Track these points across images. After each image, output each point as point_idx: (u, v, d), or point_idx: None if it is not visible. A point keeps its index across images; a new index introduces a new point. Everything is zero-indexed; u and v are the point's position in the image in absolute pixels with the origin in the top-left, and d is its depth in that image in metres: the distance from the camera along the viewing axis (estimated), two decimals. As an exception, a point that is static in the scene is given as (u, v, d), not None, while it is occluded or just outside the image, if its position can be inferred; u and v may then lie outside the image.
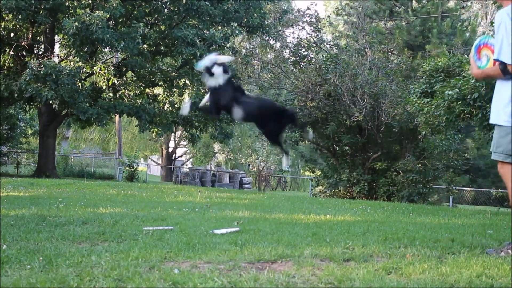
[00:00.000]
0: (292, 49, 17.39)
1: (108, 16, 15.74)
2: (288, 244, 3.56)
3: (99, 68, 17.76)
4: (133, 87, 19.72)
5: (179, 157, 36.72)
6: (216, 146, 33.39)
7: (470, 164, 19.65)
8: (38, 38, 18.66)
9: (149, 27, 19.46)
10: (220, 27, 18.51)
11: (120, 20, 17.82)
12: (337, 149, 15.66)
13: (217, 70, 4.24)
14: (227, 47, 19.68)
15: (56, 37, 19.47)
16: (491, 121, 3.52)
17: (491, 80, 4.28)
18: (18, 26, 18.07)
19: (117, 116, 24.36)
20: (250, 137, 30.96)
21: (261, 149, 33.14)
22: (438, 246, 3.53)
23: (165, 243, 3.54)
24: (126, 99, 19.05)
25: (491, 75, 3.62)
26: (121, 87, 19.35)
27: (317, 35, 18.11)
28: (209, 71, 4.25)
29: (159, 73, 19.59)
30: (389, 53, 18.50)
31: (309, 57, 16.23)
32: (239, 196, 10.82)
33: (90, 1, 17.32)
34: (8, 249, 3.30)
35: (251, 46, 24.25)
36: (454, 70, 9.84)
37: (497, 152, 3.45)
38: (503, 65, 3.42)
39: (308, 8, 30.23)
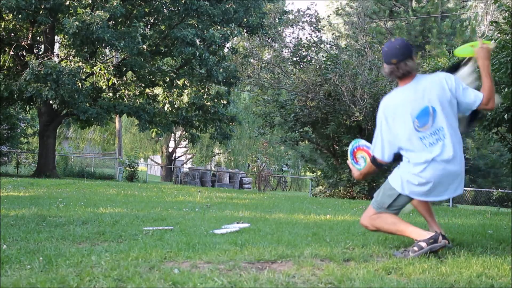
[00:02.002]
0: (292, 49, 17.39)
1: (108, 16, 15.75)
2: (288, 244, 3.56)
3: (99, 68, 17.76)
4: (133, 87, 19.72)
5: (179, 157, 36.73)
6: (216, 147, 33.41)
7: (470, 164, 19.65)
8: (38, 38, 18.66)
9: (149, 27, 19.48)
10: (219, 27, 18.51)
11: (120, 20, 17.82)
12: (337, 149, 15.65)
13: None
14: (227, 47, 19.70)
15: (56, 37, 19.47)
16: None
17: (371, 177, 4.48)
18: (18, 26, 18.06)
19: (117, 116, 24.37)
20: (250, 137, 30.97)
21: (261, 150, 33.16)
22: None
23: (165, 243, 3.54)
24: (126, 99, 19.05)
25: (369, 172, 3.72)
26: (121, 87, 19.36)
27: (317, 35, 18.11)
28: None
29: (159, 73, 19.59)
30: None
31: (309, 57, 16.23)
32: (239, 196, 10.82)
33: (90, 1, 17.33)
34: (8, 249, 3.30)
35: (251, 46, 24.25)
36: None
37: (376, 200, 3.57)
38: (373, 157, 3.56)
39: (308, 8, 30.26)
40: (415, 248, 3.22)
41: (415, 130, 3.35)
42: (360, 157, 3.84)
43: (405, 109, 3.37)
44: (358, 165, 3.85)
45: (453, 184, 3.37)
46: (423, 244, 3.20)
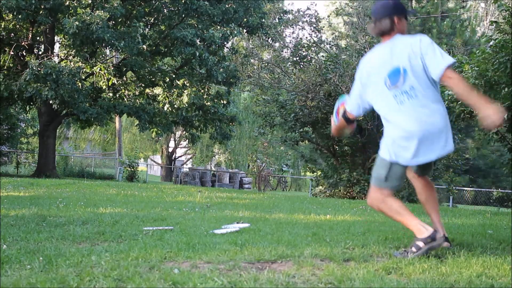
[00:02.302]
0: (292, 49, 17.39)
1: (108, 16, 15.75)
2: (288, 244, 3.56)
3: (99, 68, 17.77)
4: (133, 87, 19.73)
5: (179, 157, 36.74)
6: (216, 147, 33.41)
7: (470, 164, 19.67)
8: (38, 38, 18.66)
9: (149, 27, 19.48)
10: (219, 27, 18.51)
11: (120, 20, 17.83)
12: (337, 149, 15.65)
13: None
14: (227, 47, 19.71)
15: (56, 37, 19.47)
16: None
17: (346, 135, 4.50)
18: (18, 26, 18.07)
19: (117, 116, 24.37)
20: (250, 137, 30.97)
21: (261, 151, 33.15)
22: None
23: (165, 243, 3.54)
24: (126, 99, 19.06)
25: (340, 126, 3.80)
26: (121, 87, 19.36)
27: (317, 35, 18.11)
28: None
29: (159, 73, 19.60)
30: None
31: (309, 57, 16.24)
32: (239, 196, 10.82)
33: (90, 1, 17.33)
34: (8, 249, 3.30)
35: (251, 46, 24.26)
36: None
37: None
38: (344, 111, 3.67)
39: (308, 8, 30.25)
40: (413, 249, 3.21)
41: (387, 88, 3.41)
42: (341, 112, 3.83)
43: (378, 68, 3.45)
44: (338, 120, 3.85)
45: (440, 141, 3.35)
46: (421, 244, 3.20)
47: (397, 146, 3.37)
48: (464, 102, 3.76)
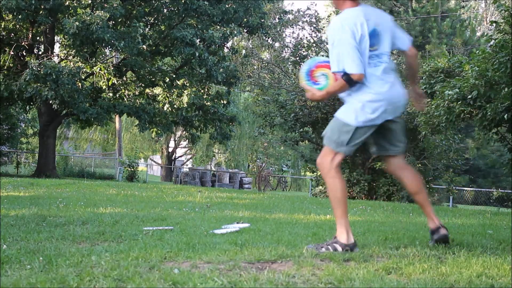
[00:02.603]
0: (292, 49, 17.40)
1: (108, 16, 15.76)
2: (288, 244, 3.56)
3: (99, 68, 17.77)
4: (133, 87, 19.73)
5: (179, 157, 36.74)
6: (216, 147, 33.40)
7: (470, 164, 19.67)
8: (38, 38, 18.66)
9: (149, 27, 19.48)
10: (219, 27, 18.51)
11: (120, 20, 17.83)
12: (337, 149, 15.64)
13: None
14: (226, 47, 19.71)
15: (56, 37, 19.47)
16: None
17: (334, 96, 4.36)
18: (18, 26, 18.07)
19: (117, 116, 24.37)
20: (250, 137, 30.97)
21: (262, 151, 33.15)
22: (438, 246, 3.53)
23: (165, 243, 3.54)
24: (126, 99, 19.06)
25: (337, 91, 3.48)
26: (121, 87, 19.36)
27: (317, 35, 18.12)
28: None
29: (159, 73, 19.60)
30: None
31: (309, 57, 16.25)
32: (239, 196, 10.82)
33: (90, 1, 17.34)
34: (8, 249, 3.30)
35: (251, 46, 24.26)
36: (454, 70, 9.85)
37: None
38: (347, 75, 3.35)
39: (308, 8, 30.25)
40: (330, 248, 3.29)
41: (367, 49, 3.44)
42: (320, 75, 3.55)
43: (363, 26, 3.41)
44: (318, 84, 3.55)
45: (399, 106, 3.52)
46: (339, 249, 3.28)
47: (366, 112, 3.40)
48: (408, 75, 3.94)
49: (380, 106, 3.39)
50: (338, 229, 3.38)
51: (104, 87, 18.60)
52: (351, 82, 3.35)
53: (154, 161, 38.90)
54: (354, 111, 3.41)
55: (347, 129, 3.42)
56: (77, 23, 15.14)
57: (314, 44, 17.02)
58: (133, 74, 19.75)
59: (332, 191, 3.42)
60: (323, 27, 30.21)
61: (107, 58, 21.34)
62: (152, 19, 19.55)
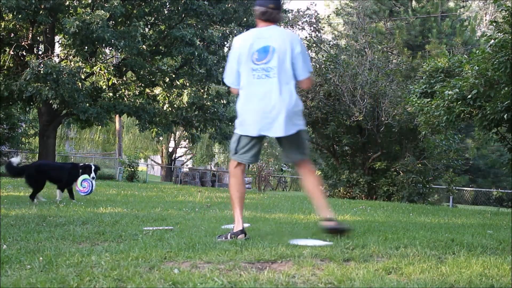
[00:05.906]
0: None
1: (108, 15, 15.74)
2: (288, 244, 3.56)
3: (99, 68, 17.76)
4: (133, 87, 19.72)
5: (179, 157, 36.74)
6: (216, 147, 33.40)
7: (470, 164, 19.68)
8: (38, 38, 18.64)
9: (149, 26, 19.46)
10: (219, 27, 18.50)
11: (120, 20, 17.82)
12: (337, 149, 15.65)
13: None
14: (226, 47, 19.69)
15: (56, 37, 19.46)
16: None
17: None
18: (18, 26, 18.05)
19: (117, 116, 24.36)
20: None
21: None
22: (438, 246, 3.53)
23: (165, 243, 3.55)
24: (126, 99, 19.04)
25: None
26: (121, 87, 19.34)
27: (317, 35, 18.12)
28: None
29: (159, 73, 19.59)
30: (389, 53, 18.51)
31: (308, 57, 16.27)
32: (239, 196, 10.79)
33: (90, 1, 17.32)
34: (8, 249, 3.30)
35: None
36: (454, 70, 9.85)
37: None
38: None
39: (308, 8, 30.23)
40: (228, 237, 3.70)
41: (252, 62, 3.77)
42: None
43: (251, 43, 3.79)
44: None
45: (270, 122, 3.74)
46: (229, 237, 3.71)
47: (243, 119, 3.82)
48: None
49: (240, 115, 3.86)
50: (235, 222, 3.81)
51: (104, 87, 18.58)
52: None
53: (154, 161, 38.89)
54: (237, 121, 3.97)
55: (235, 138, 3.94)
56: (77, 22, 15.12)
57: (314, 44, 17.01)
58: (133, 74, 19.74)
59: (232, 189, 3.89)
60: (323, 27, 30.16)
61: (107, 58, 21.32)
62: (152, 19, 19.53)
